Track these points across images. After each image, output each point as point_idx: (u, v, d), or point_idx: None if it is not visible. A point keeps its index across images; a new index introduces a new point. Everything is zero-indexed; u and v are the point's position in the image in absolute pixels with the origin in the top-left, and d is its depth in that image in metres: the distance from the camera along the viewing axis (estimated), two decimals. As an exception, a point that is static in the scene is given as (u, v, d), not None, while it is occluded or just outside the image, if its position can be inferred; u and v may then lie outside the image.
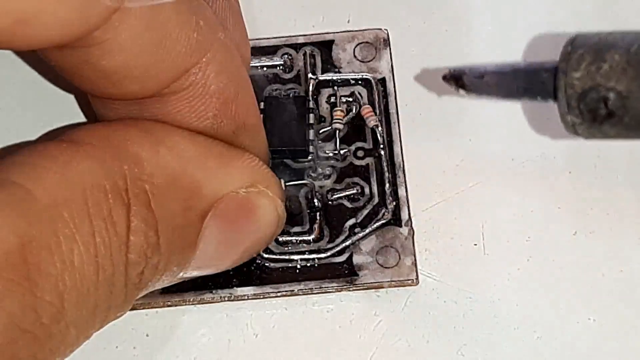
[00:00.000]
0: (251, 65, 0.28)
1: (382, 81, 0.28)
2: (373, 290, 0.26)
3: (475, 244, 0.26)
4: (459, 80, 0.24)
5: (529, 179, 0.27)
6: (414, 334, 0.26)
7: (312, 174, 0.27)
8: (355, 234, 0.26)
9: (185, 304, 0.26)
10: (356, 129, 0.27)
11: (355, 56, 0.28)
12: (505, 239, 0.27)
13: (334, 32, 0.28)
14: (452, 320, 0.26)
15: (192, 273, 0.23)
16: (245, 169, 0.23)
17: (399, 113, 0.27)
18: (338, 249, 0.26)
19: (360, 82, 0.28)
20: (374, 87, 0.27)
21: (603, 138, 0.22)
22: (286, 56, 0.28)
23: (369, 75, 0.28)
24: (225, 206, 0.22)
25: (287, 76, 0.28)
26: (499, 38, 0.29)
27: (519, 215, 0.27)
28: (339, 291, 0.26)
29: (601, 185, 0.27)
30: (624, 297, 0.26)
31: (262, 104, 0.27)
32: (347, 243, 0.26)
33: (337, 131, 0.27)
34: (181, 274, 0.23)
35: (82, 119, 0.28)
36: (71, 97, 0.28)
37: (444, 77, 0.25)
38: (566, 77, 0.21)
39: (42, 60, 0.22)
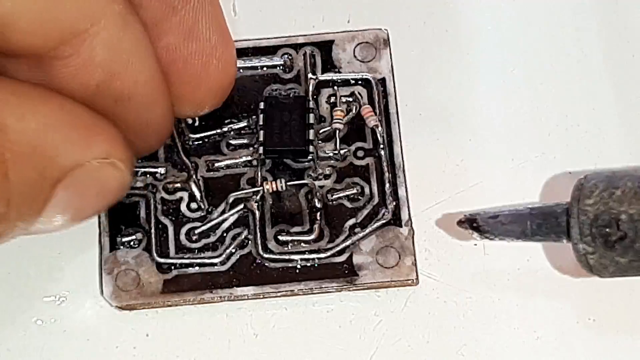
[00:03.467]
0: (251, 65, 0.28)
1: (382, 81, 0.28)
2: (373, 290, 0.26)
3: (475, 244, 0.27)
4: (473, 222, 0.24)
5: (529, 179, 0.27)
6: (414, 334, 0.26)
7: (312, 174, 0.27)
8: (355, 234, 0.26)
9: (185, 304, 0.26)
10: (356, 129, 0.27)
11: (355, 56, 0.28)
12: (505, 239, 0.27)
13: (334, 32, 0.28)
14: (452, 320, 0.26)
15: (33, 231, 0.23)
16: (103, 140, 0.23)
17: (399, 113, 0.27)
18: (338, 249, 0.26)
19: (360, 82, 0.28)
20: (374, 87, 0.27)
21: (614, 270, 0.22)
22: (286, 56, 0.28)
23: (369, 75, 0.28)
24: (76, 176, 0.22)
25: (287, 76, 0.28)
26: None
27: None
28: (339, 291, 0.26)
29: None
30: (624, 297, 0.26)
31: (262, 104, 0.27)
32: (347, 243, 0.26)
33: (337, 131, 0.27)
34: (24, 233, 0.23)
35: None
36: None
37: (459, 222, 0.25)
38: (579, 204, 0.21)
39: None
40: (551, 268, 0.26)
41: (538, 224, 0.23)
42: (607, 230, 0.21)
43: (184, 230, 0.26)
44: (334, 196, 0.27)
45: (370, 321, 0.26)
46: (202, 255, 0.26)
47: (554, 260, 0.26)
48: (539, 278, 0.26)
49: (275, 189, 0.26)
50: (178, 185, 0.27)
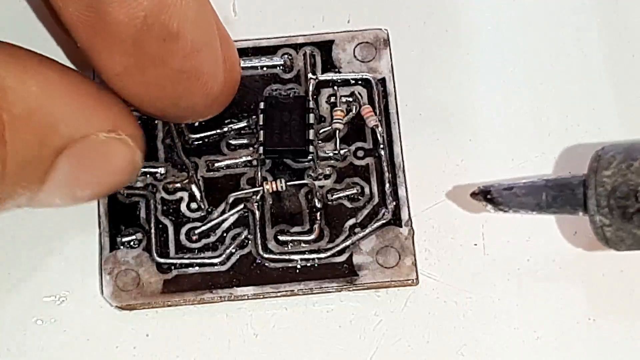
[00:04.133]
0: (251, 65, 0.28)
1: (382, 81, 0.28)
2: (373, 290, 0.26)
3: (475, 244, 0.27)
4: (487, 194, 0.24)
5: (529, 179, 0.27)
6: (414, 334, 0.26)
7: (312, 174, 0.27)
8: (355, 234, 0.26)
9: (185, 304, 0.26)
10: (356, 129, 0.27)
11: (355, 56, 0.28)
12: (505, 239, 0.27)
13: (334, 32, 0.28)
14: (452, 320, 0.26)
15: (43, 202, 0.23)
16: (109, 113, 0.23)
17: (399, 113, 0.27)
18: (338, 249, 0.26)
19: (360, 82, 0.28)
20: (374, 87, 0.27)
21: (631, 242, 0.22)
22: (286, 56, 0.28)
23: (369, 75, 0.28)
24: (80, 147, 0.22)
25: (287, 76, 0.28)
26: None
27: (519, 215, 0.27)
28: (339, 291, 0.26)
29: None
30: (624, 297, 0.26)
31: (262, 104, 0.27)
32: (347, 243, 0.26)
33: (337, 131, 0.27)
34: (29, 203, 0.22)
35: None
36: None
37: (473, 194, 0.24)
38: (596, 176, 0.21)
39: None
40: (552, 267, 0.26)
41: (554, 196, 0.23)
42: (625, 202, 0.21)
43: (184, 230, 0.26)
44: (334, 196, 0.27)
45: (370, 321, 0.26)
46: (202, 255, 0.26)
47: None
48: (539, 278, 0.26)
49: (275, 189, 0.26)
50: (178, 185, 0.27)
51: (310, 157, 0.27)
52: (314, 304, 0.26)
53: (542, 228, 0.27)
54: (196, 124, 0.27)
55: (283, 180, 0.26)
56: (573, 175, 0.23)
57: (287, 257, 0.26)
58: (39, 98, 0.21)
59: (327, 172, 0.27)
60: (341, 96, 0.27)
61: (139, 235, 0.26)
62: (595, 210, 0.21)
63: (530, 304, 0.26)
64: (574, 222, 0.26)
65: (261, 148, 0.26)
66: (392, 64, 0.28)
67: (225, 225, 0.26)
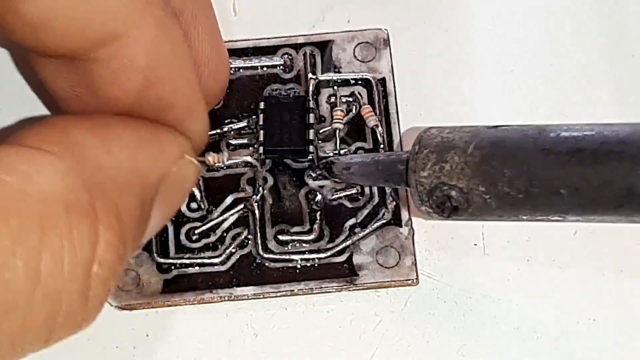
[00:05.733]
0: (251, 65, 0.28)
1: (382, 81, 0.28)
2: (373, 290, 0.26)
3: (475, 244, 0.27)
4: (330, 169, 0.26)
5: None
6: (414, 334, 0.26)
7: (312, 174, 0.27)
8: (355, 234, 0.26)
9: (185, 304, 0.26)
10: (356, 128, 0.27)
11: (355, 56, 0.28)
12: (505, 239, 0.27)
13: (333, 32, 0.28)
14: (452, 320, 0.26)
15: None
16: (174, 143, 0.23)
17: (399, 113, 0.27)
18: (338, 249, 0.26)
19: (360, 82, 0.28)
20: (374, 87, 0.27)
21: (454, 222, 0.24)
22: (286, 56, 0.28)
23: (369, 75, 0.28)
24: (166, 189, 0.22)
25: (287, 76, 0.28)
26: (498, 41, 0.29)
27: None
28: (339, 291, 0.26)
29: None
30: (624, 297, 0.26)
31: (262, 104, 0.27)
32: (347, 243, 0.26)
33: (337, 131, 0.27)
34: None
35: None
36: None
37: (317, 166, 0.26)
38: (415, 175, 0.23)
39: None
40: (552, 267, 0.26)
41: (385, 178, 0.25)
42: (442, 202, 0.23)
43: (184, 230, 0.26)
44: (334, 196, 0.27)
45: (370, 321, 0.26)
46: (202, 255, 0.26)
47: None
48: (539, 278, 0.26)
49: (218, 163, 0.26)
50: (178, 185, 0.27)
51: (311, 157, 0.27)
52: (314, 304, 0.26)
53: (542, 228, 0.27)
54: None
55: (225, 154, 0.26)
56: (399, 157, 0.24)
57: (287, 257, 0.26)
58: (127, 162, 0.21)
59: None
60: (341, 96, 0.27)
61: (139, 235, 0.26)
62: (419, 203, 0.23)
63: (530, 304, 0.26)
64: (574, 222, 0.26)
65: (261, 148, 0.26)
66: (392, 64, 0.28)
67: (225, 225, 0.26)
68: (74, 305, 0.19)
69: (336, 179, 0.26)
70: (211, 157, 0.25)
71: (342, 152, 0.27)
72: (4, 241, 0.18)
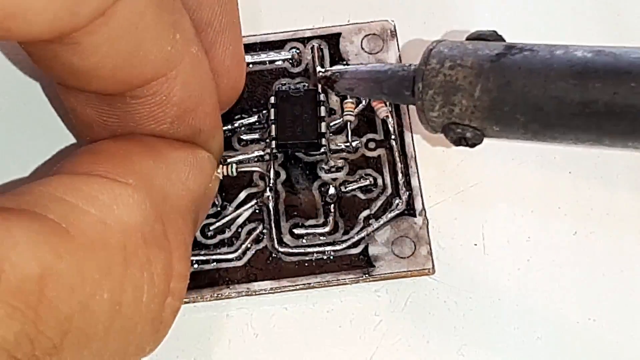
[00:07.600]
0: (260, 60, 0.28)
1: (391, 72, 0.28)
2: (373, 290, 0.26)
3: (475, 244, 0.26)
4: (333, 83, 0.26)
5: (529, 179, 0.27)
6: (414, 334, 0.26)
7: (325, 167, 0.27)
8: (369, 225, 0.26)
9: (203, 300, 0.26)
10: (367, 120, 0.27)
11: (362, 48, 0.28)
12: (505, 239, 0.26)
13: (340, 25, 0.28)
14: (452, 320, 0.26)
15: None
16: (208, 164, 0.24)
17: (409, 103, 0.27)
18: (353, 240, 0.26)
19: (369, 73, 0.28)
20: (383, 79, 0.27)
21: None
22: (294, 50, 0.28)
23: (377, 67, 0.28)
24: (203, 205, 0.23)
25: (296, 70, 0.28)
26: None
27: (519, 215, 0.27)
28: (356, 282, 0.26)
29: (601, 185, 0.27)
30: (624, 297, 0.26)
31: (272, 98, 0.27)
32: (362, 234, 0.26)
33: (348, 123, 0.27)
34: None
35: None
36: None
37: (320, 79, 0.26)
38: (425, 115, 0.23)
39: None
40: (552, 267, 0.26)
41: (392, 100, 0.26)
42: (458, 140, 0.23)
43: (199, 226, 0.26)
44: (347, 188, 0.27)
45: (370, 321, 0.26)
46: (218, 251, 0.26)
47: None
48: (538, 278, 0.26)
49: (226, 174, 0.26)
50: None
51: (323, 150, 0.27)
52: (314, 303, 0.26)
53: (542, 228, 0.27)
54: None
55: (234, 165, 0.26)
56: (406, 71, 0.24)
57: (302, 250, 0.26)
58: (183, 185, 0.22)
59: (340, 165, 0.27)
60: (351, 88, 0.27)
61: (154, 233, 0.26)
62: (430, 129, 0.24)
63: (530, 304, 0.26)
64: (574, 222, 0.27)
65: (273, 142, 0.26)
66: (399, 55, 0.28)
67: (240, 220, 0.26)
68: (146, 335, 0.20)
69: (338, 94, 0.27)
70: (221, 170, 0.25)
71: (353, 143, 0.27)
72: (93, 274, 0.18)
